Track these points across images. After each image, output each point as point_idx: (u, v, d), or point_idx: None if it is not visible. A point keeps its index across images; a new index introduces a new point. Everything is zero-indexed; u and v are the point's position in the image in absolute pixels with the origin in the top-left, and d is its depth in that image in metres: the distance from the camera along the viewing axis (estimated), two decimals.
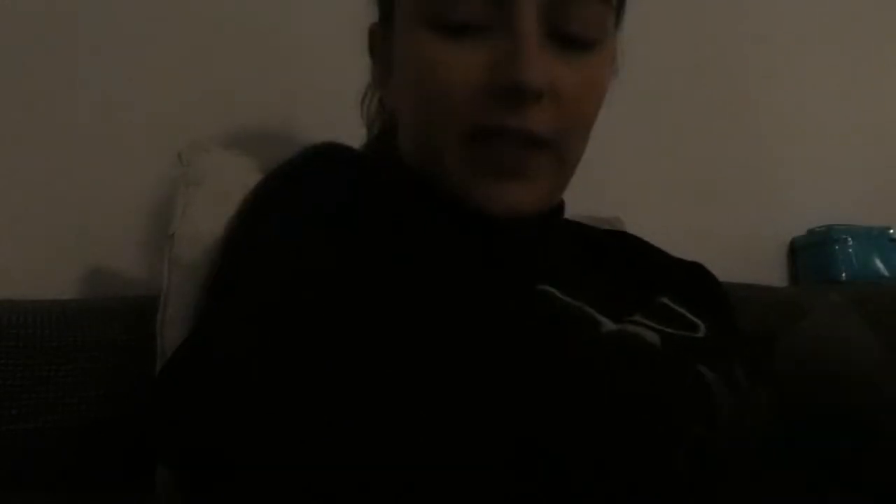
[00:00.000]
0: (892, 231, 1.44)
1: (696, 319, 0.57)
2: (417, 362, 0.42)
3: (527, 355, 0.43)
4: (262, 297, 0.47)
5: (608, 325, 0.49)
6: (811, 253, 1.44)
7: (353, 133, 0.71)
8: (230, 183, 0.67)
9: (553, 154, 0.54)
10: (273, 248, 0.52)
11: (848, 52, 1.54)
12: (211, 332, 0.48)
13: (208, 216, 0.68)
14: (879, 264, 1.41)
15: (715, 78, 1.40)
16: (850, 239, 1.40)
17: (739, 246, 1.36)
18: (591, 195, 0.73)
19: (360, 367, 0.42)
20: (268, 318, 0.45)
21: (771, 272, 1.42)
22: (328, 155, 0.61)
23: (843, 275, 1.38)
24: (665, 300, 0.58)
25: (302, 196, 0.56)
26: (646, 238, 0.71)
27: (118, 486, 0.69)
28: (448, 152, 0.54)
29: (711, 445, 0.44)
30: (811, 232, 1.45)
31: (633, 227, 0.81)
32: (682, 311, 0.57)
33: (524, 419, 0.41)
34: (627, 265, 0.63)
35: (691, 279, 0.66)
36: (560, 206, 0.63)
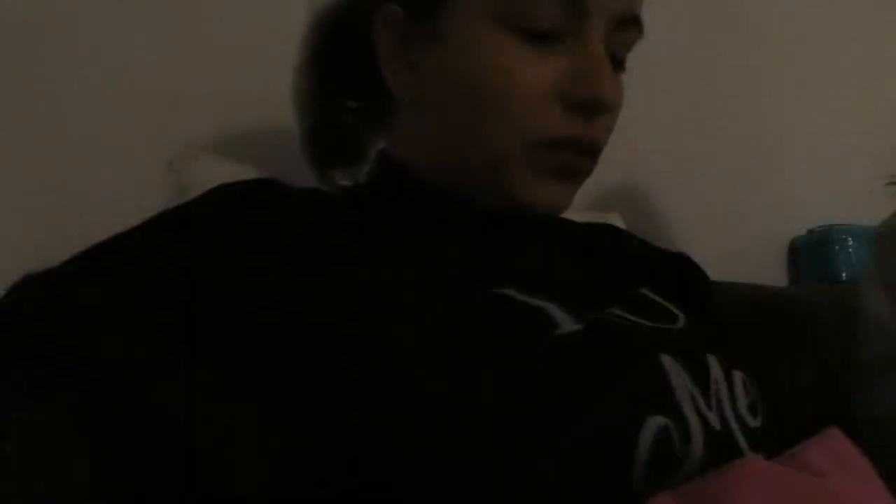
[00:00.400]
0: None
1: (675, 310, 0.58)
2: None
3: (461, 367, 0.45)
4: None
5: (568, 325, 0.49)
6: (811, 253, 1.44)
7: None
8: None
9: (594, 160, 0.59)
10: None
11: (848, 52, 1.54)
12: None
13: None
14: None
15: (715, 78, 1.40)
16: (850, 239, 1.40)
17: (739, 246, 1.36)
18: (590, 194, 0.73)
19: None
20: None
21: (771, 272, 1.42)
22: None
23: (843, 275, 1.38)
24: (645, 291, 0.59)
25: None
26: (646, 238, 0.71)
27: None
28: (509, 152, 0.55)
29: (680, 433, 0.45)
30: (811, 232, 1.45)
31: (633, 226, 0.81)
32: (662, 301, 0.58)
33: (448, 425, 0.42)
34: (609, 257, 0.64)
35: (675, 270, 0.67)
36: None
